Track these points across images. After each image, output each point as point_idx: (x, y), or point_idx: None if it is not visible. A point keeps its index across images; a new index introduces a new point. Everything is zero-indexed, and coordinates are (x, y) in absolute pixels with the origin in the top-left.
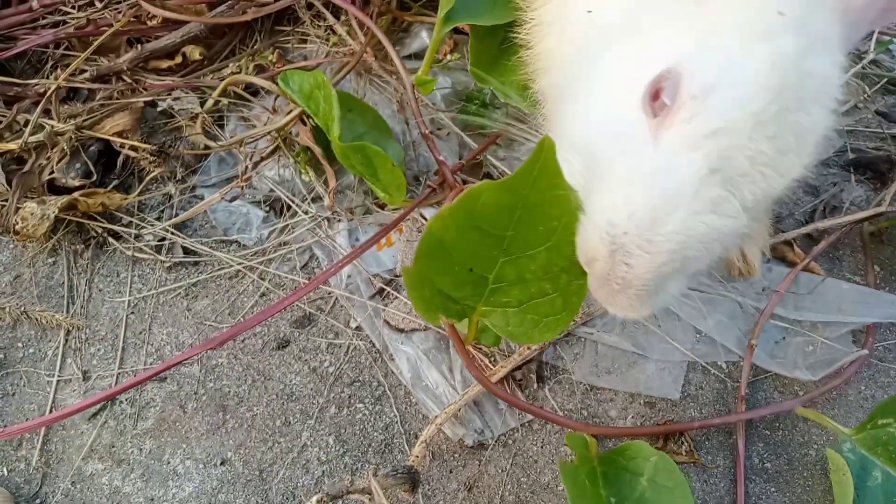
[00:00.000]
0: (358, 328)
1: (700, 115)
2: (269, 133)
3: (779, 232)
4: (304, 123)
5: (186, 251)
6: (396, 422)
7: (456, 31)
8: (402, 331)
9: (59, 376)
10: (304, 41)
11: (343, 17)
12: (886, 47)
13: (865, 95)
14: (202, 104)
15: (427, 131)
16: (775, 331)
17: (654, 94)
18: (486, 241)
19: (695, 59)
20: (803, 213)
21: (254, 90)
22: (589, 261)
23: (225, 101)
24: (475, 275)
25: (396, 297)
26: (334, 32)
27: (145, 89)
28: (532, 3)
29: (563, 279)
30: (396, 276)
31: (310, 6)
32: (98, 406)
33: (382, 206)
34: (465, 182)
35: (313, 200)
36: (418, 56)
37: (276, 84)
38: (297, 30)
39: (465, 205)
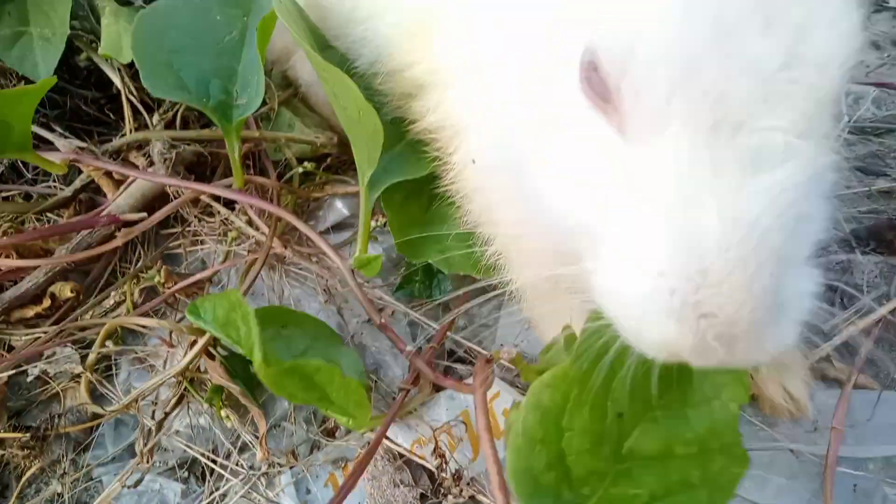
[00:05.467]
0: None
1: (641, 84)
2: (167, 380)
3: (811, 349)
4: (212, 357)
5: None
6: None
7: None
8: None
9: None
10: (199, 241)
11: (238, 206)
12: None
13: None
14: (83, 359)
15: (382, 321)
16: (844, 479)
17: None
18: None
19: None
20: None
21: (146, 314)
22: (675, 351)
23: (111, 346)
24: (613, 426)
25: None
26: (227, 225)
27: (10, 349)
28: (448, 146)
29: (717, 463)
30: None
31: (195, 202)
32: None
33: (332, 433)
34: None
35: (242, 451)
36: (336, 228)
37: (170, 319)
38: (187, 230)
39: None
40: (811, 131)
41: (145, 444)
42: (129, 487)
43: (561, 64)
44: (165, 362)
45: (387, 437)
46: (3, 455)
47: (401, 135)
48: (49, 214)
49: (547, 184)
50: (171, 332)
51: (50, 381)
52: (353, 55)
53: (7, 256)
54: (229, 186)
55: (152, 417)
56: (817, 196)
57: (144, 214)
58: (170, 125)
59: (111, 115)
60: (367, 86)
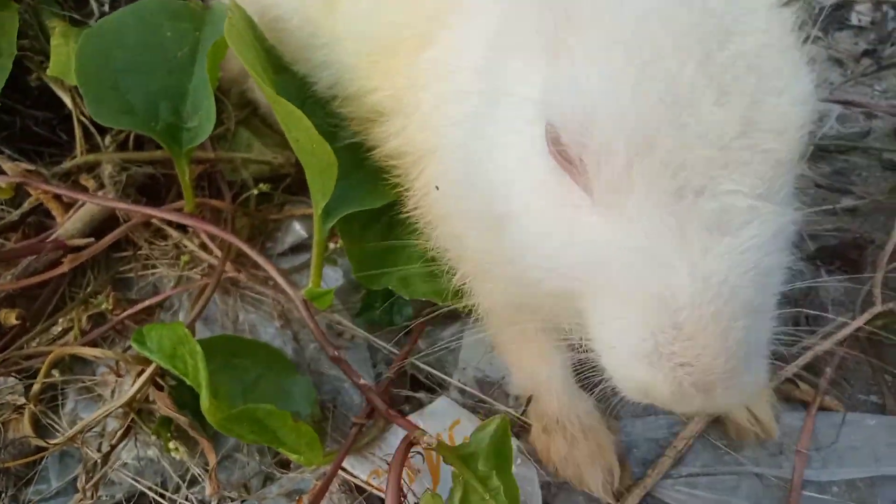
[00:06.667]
0: None
1: (601, 156)
2: (114, 410)
3: (776, 370)
4: (160, 387)
5: None
6: None
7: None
8: None
9: None
10: (151, 265)
11: (191, 229)
12: None
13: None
14: (27, 389)
15: (336, 353)
16: (809, 503)
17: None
18: None
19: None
20: (783, 330)
21: (94, 342)
22: (653, 395)
23: (57, 375)
24: None
25: None
26: (180, 249)
27: None
28: (410, 172)
29: None
30: None
31: (147, 225)
32: None
33: (286, 465)
34: (400, 408)
35: (192, 484)
36: (296, 249)
37: (116, 349)
38: (139, 253)
39: None
40: (772, 192)
41: (90, 479)
42: None
43: (530, 131)
44: (113, 392)
45: (343, 469)
46: None
47: (359, 161)
48: None
49: (521, 244)
50: (117, 361)
51: None
52: (313, 78)
53: None
54: (181, 209)
55: (99, 450)
56: (779, 250)
57: (92, 240)
58: (123, 145)
59: (63, 136)
60: (325, 109)
